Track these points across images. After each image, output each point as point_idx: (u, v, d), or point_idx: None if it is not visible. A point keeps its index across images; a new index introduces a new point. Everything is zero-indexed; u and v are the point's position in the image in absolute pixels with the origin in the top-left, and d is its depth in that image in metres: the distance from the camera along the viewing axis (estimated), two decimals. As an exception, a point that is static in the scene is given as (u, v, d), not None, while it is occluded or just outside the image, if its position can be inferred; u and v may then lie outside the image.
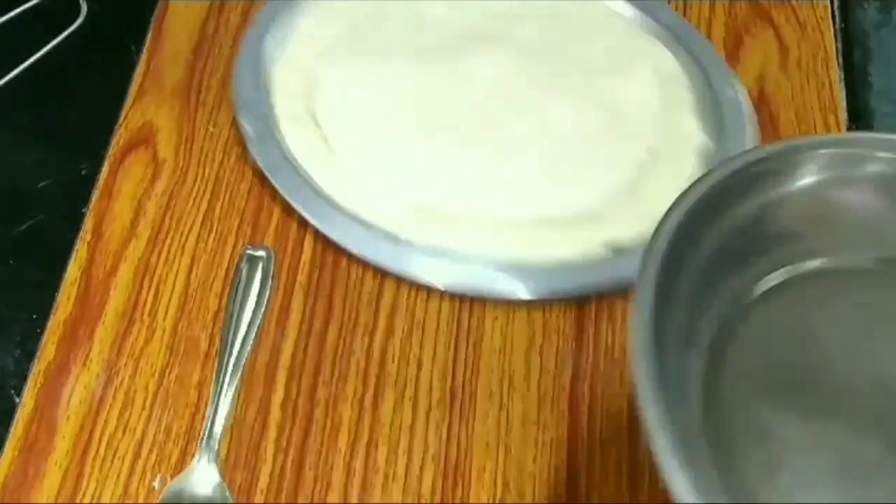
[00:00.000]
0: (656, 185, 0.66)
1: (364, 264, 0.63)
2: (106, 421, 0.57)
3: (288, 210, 0.65)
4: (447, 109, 0.69)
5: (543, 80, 0.71)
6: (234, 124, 0.68)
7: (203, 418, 0.57)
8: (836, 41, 0.79)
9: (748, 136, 0.70)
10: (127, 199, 0.65)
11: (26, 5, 0.73)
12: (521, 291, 0.62)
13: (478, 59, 0.72)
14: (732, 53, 0.76)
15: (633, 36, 0.75)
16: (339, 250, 0.63)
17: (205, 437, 0.56)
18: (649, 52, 0.74)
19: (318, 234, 0.64)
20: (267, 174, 0.65)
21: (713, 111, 0.71)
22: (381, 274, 0.63)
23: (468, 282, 0.62)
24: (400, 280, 0.63)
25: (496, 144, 0.68)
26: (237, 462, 0.56)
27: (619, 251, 0.63)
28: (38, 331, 0.60)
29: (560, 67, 0.72)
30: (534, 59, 0.72)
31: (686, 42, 0.75)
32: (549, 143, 0.68)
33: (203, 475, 0.55)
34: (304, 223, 0.64)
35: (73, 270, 0.62)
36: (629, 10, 0.76)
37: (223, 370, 0.58)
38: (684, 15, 0.78)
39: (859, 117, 0.76)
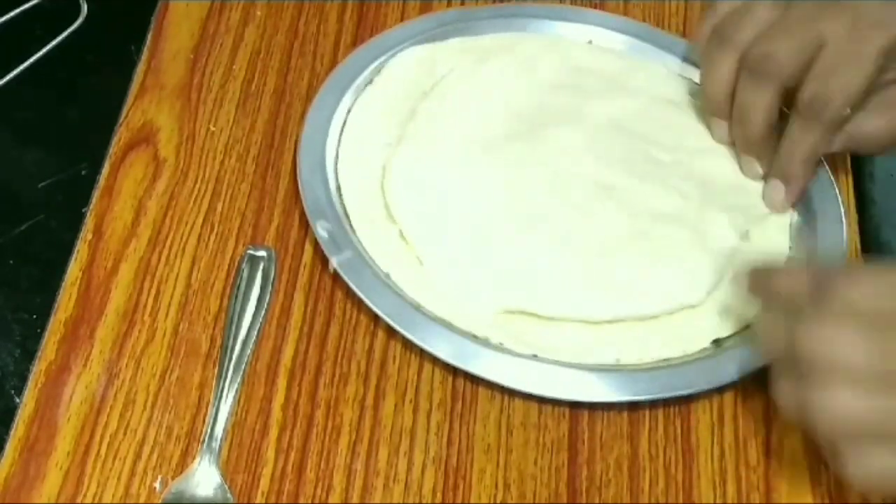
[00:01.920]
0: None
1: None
2: (107, 422, 0.57)
3: (289, 210, 0.65)
4: (527, 198, 0.65)
5: (621, 159, 0.68)
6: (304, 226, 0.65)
7: (204, 419, 0.57)
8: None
9: (832, 201, 0.67)
10: (128, 198, 0.65)
11: (26, 5, 0.73)
12: (620, 395, 0.58)
13: (552, 141, 0.68)
14: (733, 54, 0.76)
15: (697, 99, 0.71)
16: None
17: (206, 439, 0.56)
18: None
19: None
20: (348, 281, 0.61)
21: None
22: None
23: (563, 387, 0.58)
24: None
25: (575, 232, 0.64)
26: (238, 463, 0.56)
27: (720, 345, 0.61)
28: (38, 331, 0.60)
29: (635, 143, 0.69)
30: (607, 137, 0.69)
31: None
32: (637, 230, 0.64)
33: (204, 476, 0.55)
34: (304, 224, 0.64)
35: (73, 270, 0.62)
36: (688, 71, 0.73)
37: (224, 371, 0.58)
38: (685, 16, 0.78)
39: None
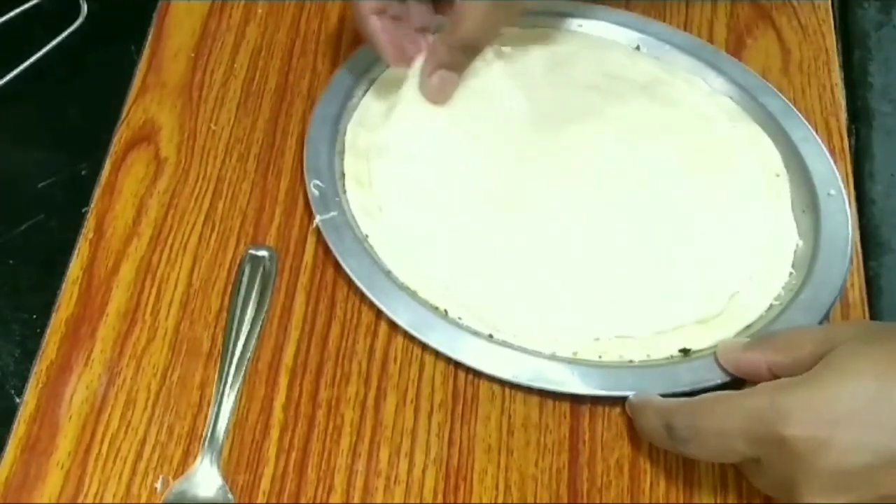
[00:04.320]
0: (745, 302, 0.63)
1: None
2: (108, 421, 0.57)
3: (290, 210, 0.65)
4: (516, 186, 0.66)
5: (635, 169, 0.67)
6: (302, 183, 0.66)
7: (205, 419, 0.57)
8: (836, 41, 0.78)
9: (842, 245, 0.65)
10: (129, 196, 0.65)
11: (26, 5, 0.73)
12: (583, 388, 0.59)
13: (562, 139, 0.68)
14: (734, 55, 0.76)
15: (733, 120, 0.71)
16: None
17: (207, 439, 0.56)
18: (751, 143, 0.70)
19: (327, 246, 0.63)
20: (327, 240, 0.62)
21: (811, 208, 0.67)
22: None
23: (513, 370, 0.59)
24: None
25: (550, 226, 0.64)
26: (239, 463, 0.56)
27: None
28: (38, 331, 0.60)
29: (655, 154, 0.68)
30: (629, 143, 0.69)
31: (787, 129, 0.70)
32: (634, 248, 0.64)
33: (205, 477, 0.55)
34: (306, 223, 0.64)
35: (75, 269, 0.62)
36: (727, 89, 0.73)
37: (225, 371, 0.58)
38: (686, 16, 0.78)
39: (859, 117, 0.76)
